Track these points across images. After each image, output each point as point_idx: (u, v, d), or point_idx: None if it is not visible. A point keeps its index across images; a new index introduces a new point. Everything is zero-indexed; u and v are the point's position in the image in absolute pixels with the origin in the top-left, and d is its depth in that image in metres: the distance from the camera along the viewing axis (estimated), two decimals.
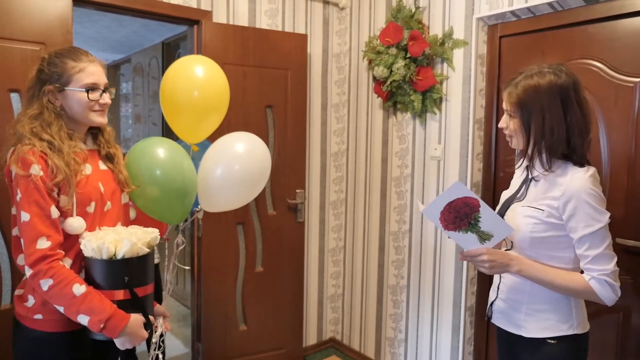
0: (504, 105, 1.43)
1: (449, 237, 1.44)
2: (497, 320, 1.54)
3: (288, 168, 2.88)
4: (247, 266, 2.81)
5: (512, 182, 1.58)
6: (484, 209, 1.30)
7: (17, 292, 1.45)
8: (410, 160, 2.75)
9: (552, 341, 1.39)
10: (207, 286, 2.68)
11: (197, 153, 1.83)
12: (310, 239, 3.15)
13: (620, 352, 2.02)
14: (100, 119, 1.47)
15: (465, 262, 2.45)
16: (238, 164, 1.70)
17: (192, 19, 2.55)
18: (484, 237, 1.34)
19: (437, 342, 2.64)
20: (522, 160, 1.49)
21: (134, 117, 4.84)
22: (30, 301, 1.38)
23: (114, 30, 4.21)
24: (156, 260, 2.48)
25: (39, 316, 1.37)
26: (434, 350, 2.65)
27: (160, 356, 1.69)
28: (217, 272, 2.71)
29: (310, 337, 3.22)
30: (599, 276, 1.30)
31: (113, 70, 5.27)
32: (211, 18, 2.60)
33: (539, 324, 1.41)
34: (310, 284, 3.18)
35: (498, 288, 1.53)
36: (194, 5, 2.55)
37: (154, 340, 1.60)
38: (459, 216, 1.32)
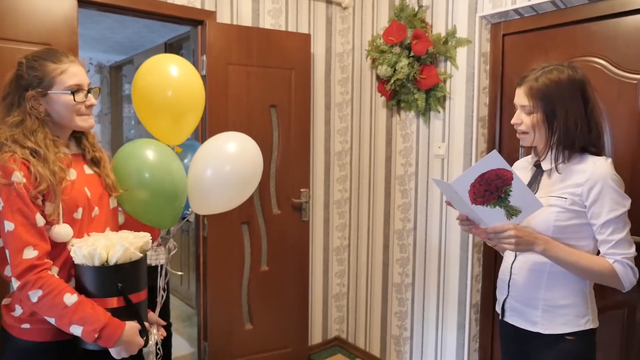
0: (520, 101, 1.43)
1: (461, 220, 1.40)
2: (511, 318, 1.53)
3: (292, 167, 2.89)
4: (253, 265, 2.82)
5: None
6: (517, 182, 1.25)
7: (5, 301, 1.40)
8: (414, 158, 2.76)
9: (570, 337, 1.40)
10: (213, 285, 2.70)
11: (184, 154, 1.78)
12: (315, 238, 3.16)
13: (625, 347, 2.03)
14: (87, 124, 1.41)
15: (470, 259, 2.46)
16: (229, 165, 1.64)
17: (196, 20, 2.57)
18: (512, 212, 1.29)
19: (442, 339, 2.65)
20: (532, 155, 1.51)
21: (136, 118, 4.85)
22: (18, 310, 1.33)
23: (117, 31, 4.21)
24: (162, 262, 2.46)
25: (26, 325, 1.32)
26: (439, 347, 2.67)
27: None
28: (223, 272, 2.72)
29: (316, 336, 3.23)
30: (623, 259, 1.32)
31: (115, 71, 5.29)
32: (215, 18, 2.61)
33: (557, 319, 1.41)
34: (315, 282, 3.19)
35: (508, 286, 1.52)
36: (198, 6, 2.56)
37: (150, 349, 1.57)
38: (489, 189, 1.27)
